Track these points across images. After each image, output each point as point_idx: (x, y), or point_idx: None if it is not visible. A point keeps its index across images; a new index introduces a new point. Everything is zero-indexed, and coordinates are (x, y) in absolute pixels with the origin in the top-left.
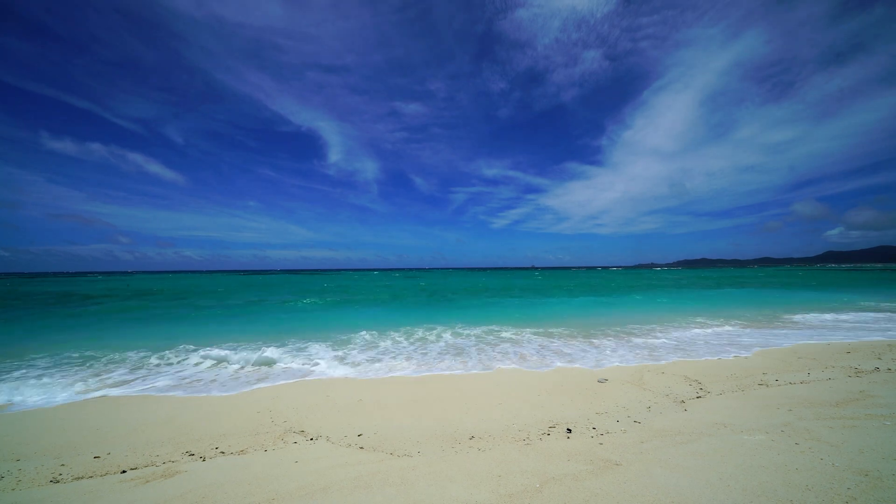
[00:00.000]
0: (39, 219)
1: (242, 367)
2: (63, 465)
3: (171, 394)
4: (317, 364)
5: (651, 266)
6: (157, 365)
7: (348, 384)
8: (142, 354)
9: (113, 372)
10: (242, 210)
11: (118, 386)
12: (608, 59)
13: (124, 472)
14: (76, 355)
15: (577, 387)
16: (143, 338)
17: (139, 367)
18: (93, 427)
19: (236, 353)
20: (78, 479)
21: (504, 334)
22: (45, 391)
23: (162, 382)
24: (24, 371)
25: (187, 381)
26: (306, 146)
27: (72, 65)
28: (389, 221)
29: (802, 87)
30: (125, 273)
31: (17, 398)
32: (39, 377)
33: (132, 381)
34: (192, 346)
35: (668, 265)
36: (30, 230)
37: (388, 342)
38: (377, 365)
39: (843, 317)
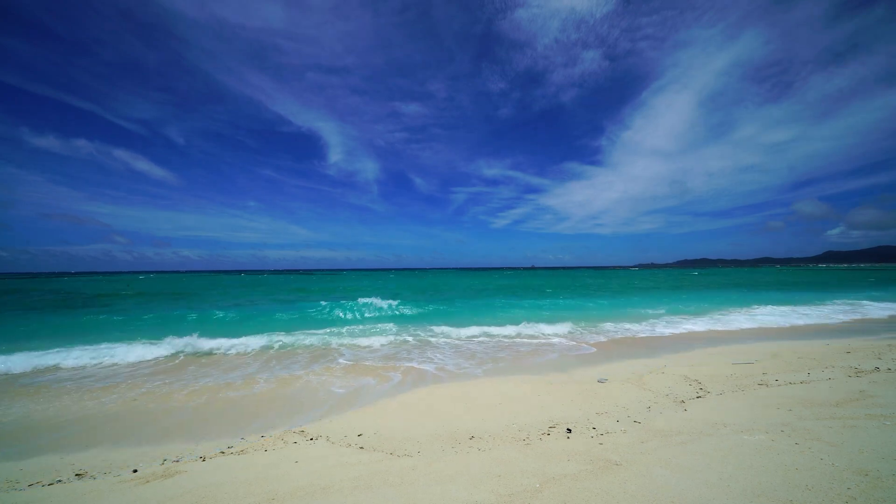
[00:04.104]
0: (35, 219)
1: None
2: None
3: None
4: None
5: (652, 266)
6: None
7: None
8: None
9: None
10: (242, 210)
11: None
12: (607, 59)
13: None
14: None
15: (577, 387)
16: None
17: None
18: None
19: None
20: (79, 476)
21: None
22: None
23: None
24: None
25: None
26: (306, 147)
27: (71, 65)
28: (389, 221)
29: (802, 87)
30: (123, 273)
31: None
32: None
33: None
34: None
35: (668, 265)
36: (25, 230)
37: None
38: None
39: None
